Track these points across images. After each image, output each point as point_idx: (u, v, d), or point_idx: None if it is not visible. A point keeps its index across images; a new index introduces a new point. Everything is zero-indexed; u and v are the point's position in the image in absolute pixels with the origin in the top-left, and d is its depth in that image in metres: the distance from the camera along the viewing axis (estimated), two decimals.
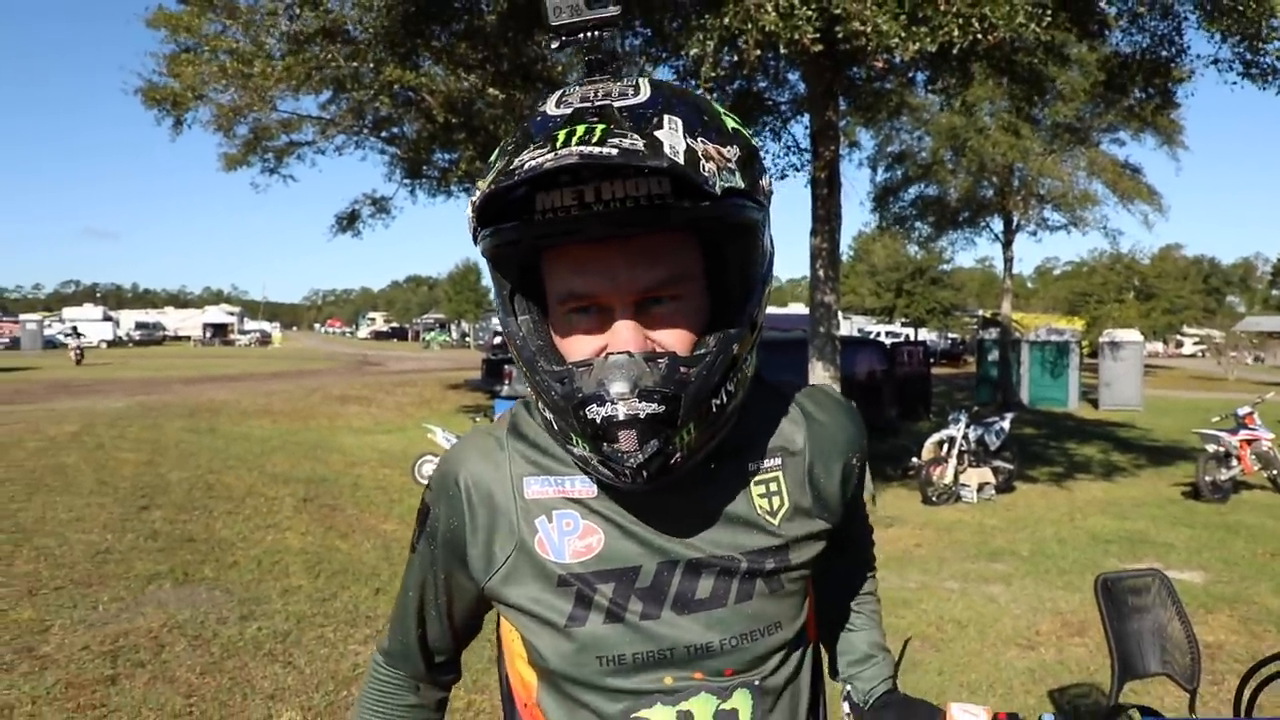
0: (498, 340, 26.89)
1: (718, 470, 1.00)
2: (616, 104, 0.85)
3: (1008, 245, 24.97)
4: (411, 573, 1.12)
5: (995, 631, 5.46)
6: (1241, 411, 10.71)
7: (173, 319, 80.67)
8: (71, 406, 14.77)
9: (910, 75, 10.49)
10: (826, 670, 1.29)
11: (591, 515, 0.99)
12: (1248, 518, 9.11)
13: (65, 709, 3.65)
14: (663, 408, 0.85)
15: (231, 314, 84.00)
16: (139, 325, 68.59)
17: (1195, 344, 63.92)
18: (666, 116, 0.84)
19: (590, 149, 0.78)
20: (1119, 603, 1.35)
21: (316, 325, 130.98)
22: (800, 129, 14.52)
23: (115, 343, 57.93)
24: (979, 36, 6.15)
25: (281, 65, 11.64)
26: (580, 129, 0.81)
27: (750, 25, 6.39)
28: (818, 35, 6.45)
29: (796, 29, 6.31)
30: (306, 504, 8.23)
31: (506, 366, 18.66)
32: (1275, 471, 10.58)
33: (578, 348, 0.91)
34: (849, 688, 1.31)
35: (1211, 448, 10.26)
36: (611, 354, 0.88)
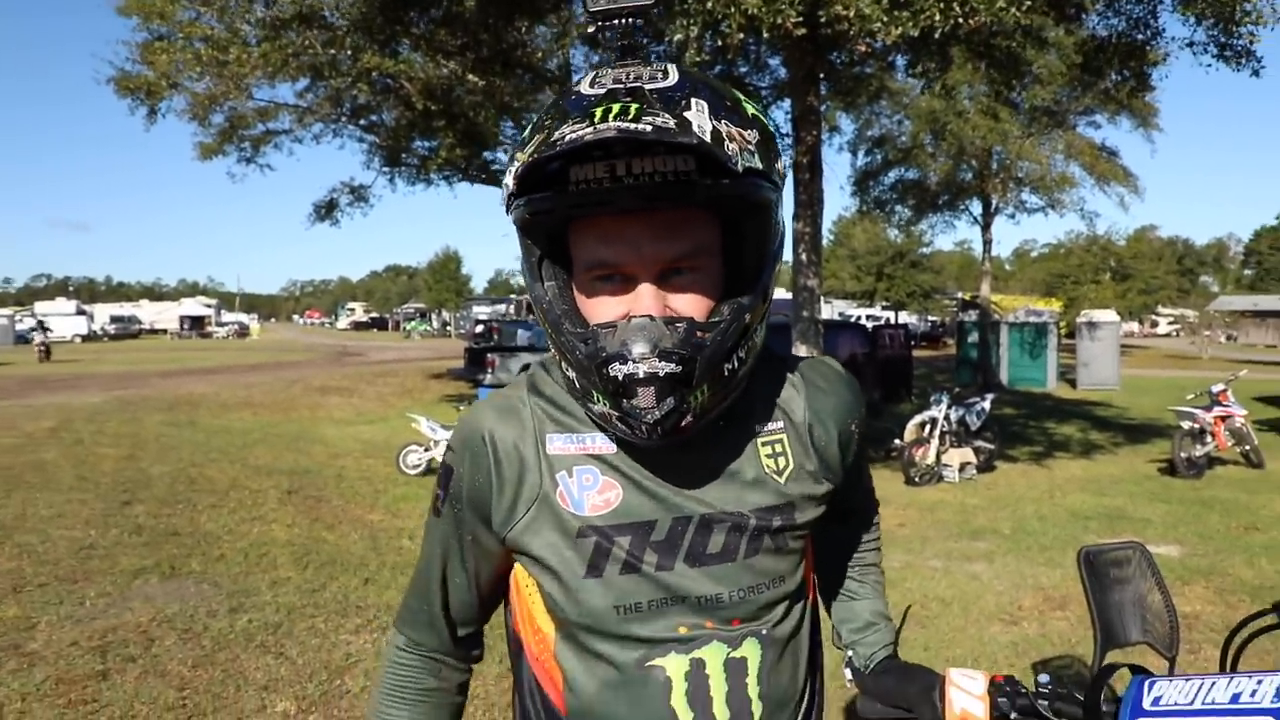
0: (479, 329, 26.79)
1: (727, 431, 1.06)
2: (647, 86, 0.91)
3: (986, 228, 25.16)
4: (432, 539, 1.14)
5: (979, 608, 5.54)
6: (1215, 389, 10.87)
7: (148, 312, 79.69)
8: (48, 402, 14.63)
9: (890, 59, 10.53)
10: (828, 632, 1.33)
11: (610, 471, 1.04)
12: (1222, 493, 9.26)
13: (56, 705, 3.63)
14: (680, 368, 0.91)
15: (208, 306, 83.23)
16: (114, 319, 67.86)
17: (1170, 324, 64.68)
18: (693, 99, 0.90)
19: (627, 125, 0.84)
20: (1101, 574, 1.38)
21: (295, 316, 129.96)
22: (781, 114, 14.55)
23: (89, 337, 57.27)
24: (960, 21, 6.19)
25: (258, 52, 11.52)
26: (616, 107, 0.87)
27: (733, 9, 6.38)
28: (800, 19, 6.46)
29: (779, 13, 6.32)
30: (291, 496, 8.20)
31: (489, 355, 18.63)
32: (1248, 447, 10.77)
33: (602, 311, 0.97)
34: (850, 653, 1.36)
35: (1186, 425, 10.42)
36: (634, 317, 0.93)
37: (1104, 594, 1.32)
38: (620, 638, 1.04)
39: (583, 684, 1.06)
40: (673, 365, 0.91)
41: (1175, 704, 0.97)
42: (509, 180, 0.94)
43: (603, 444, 1.04)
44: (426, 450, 10.09)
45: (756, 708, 1.07)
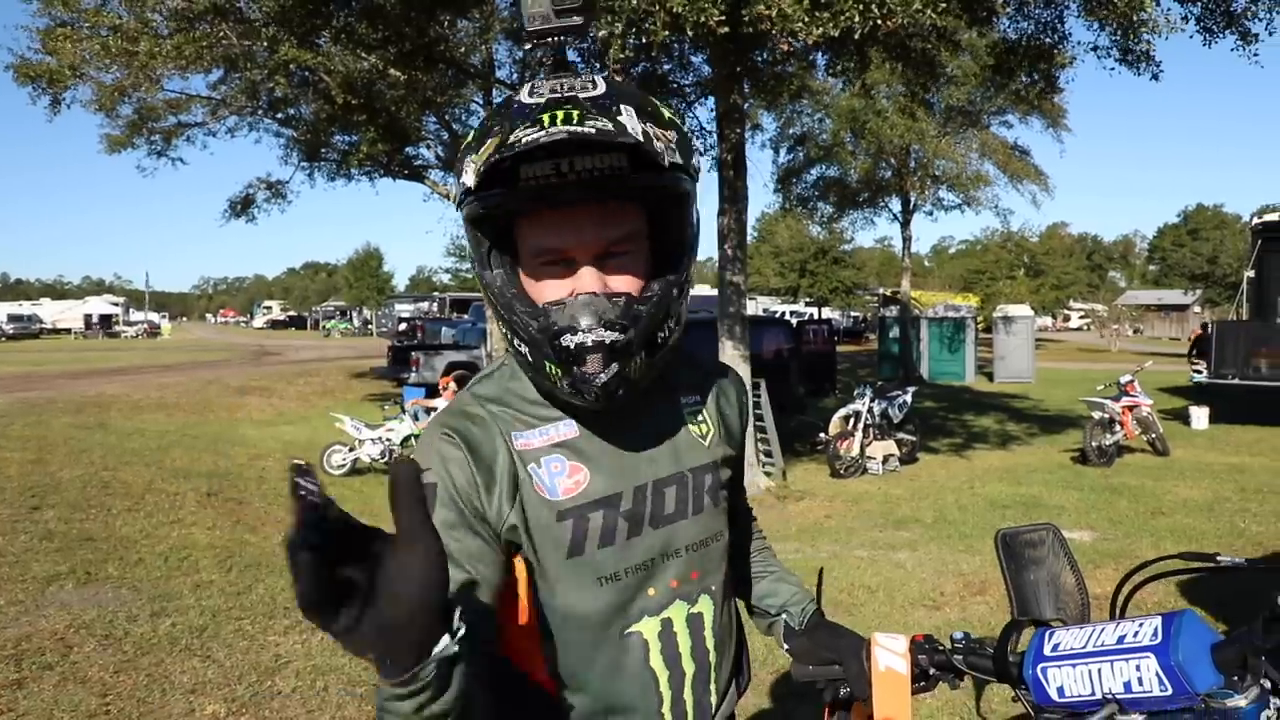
0: (403, 327, 26.40)
1: (662, 405, 1.22)
2: (580, 95, 1.02)
3: (906, 225, 25.79)
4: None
5: (903, 594, 5.71)
6: (1123, 380, 11.37)
7: (50, 311, 76.08)
8: None
9: (811, 59, 10.71)
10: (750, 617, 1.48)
11: (575, 455, 1.14)
12: (1130, 480, 9.70)
13: None
14: (622, 336, 1.04)
15: (115, 304, 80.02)
16: (11, 318, 64.60)
17: (1081, 318, 67.10)
18: (622, 105, 1.02)
19: (574, 127, 0.96)
20: (1016, 555, 1.48)
21: (208, 315, 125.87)
22: (705, 112, 14.70)
23: None
24: (878, 22, 6.35)
25: (170, 44, 11.14)
26: (560, 113, 0.98)
27: (658, 7, 6.43)
28: (723, 18, 6.55)
29: (703, 11, 6.39)
30: (211, 498, 7.98)
31: (414, 353, 18.35)
32: (1154, 435, 11.29)
33: (548, 292, 1.08)
34: (785, 617, 1.44)
35: (1097, 415, 10.88)
36: (580, 294, 1.05)
37: (1019, 573, 1.42)
38: (602, 609, 1.13)
39: (569, 659, 1.14)
40: (616, 334, 1.03)
41: (1071, 649, 1.09)
42: (468, 179, 1.03)
43: (564, 431, 1.14)
44: (351, 450, 9.92)
45: (713, 656, 1.23)
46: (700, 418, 1.26)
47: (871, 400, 10.81)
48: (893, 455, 10.78)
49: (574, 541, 1.11)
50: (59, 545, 6.05)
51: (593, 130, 0.96)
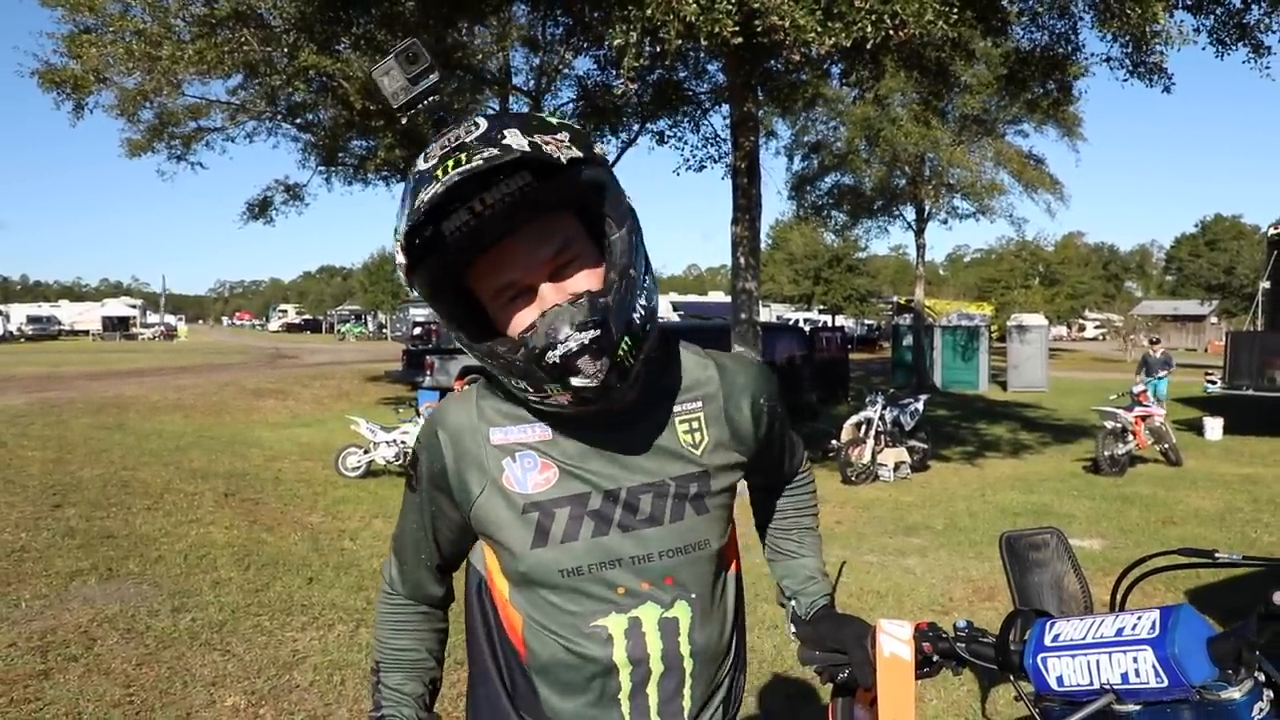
0: (418, 331, 26.53)
1: (648, 413, 1.24)
2: (466, 139, 1.07)
3: (920, 233, 25.74)
4: (408, 511, 1.34)
5: (912, 600, 5.74)
6: (1136, 389, 11.36)
7: (68, 313, 76.60)
8: None
9: (825, 67, 10.77)
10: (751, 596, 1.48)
11: (546, 455, 1.21)
12: (1143, 489, 9.69)
13: None
14: (599, 331, 1.07)
15: (133, 307, 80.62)
16: (31, 319, 65.16)
17: (1097, 327, 66.73)
18: (505, 130, 1.06)
19: (463, 168, 1.02)
20: (1020, 557, 1.53)
21: (224, 318, 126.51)
22: (719, 120, 14.74)
23: (5, 338, 55.07)
24: (891, 32, 6.40)
25: (192, 49, 11.30)
26: (450, 161, 1.04)
27: (672, 16, 6.51)
28: (737, 28, 6.62)
29: (716, 21, 6.46)
30: (228, 499, 8.09)
31: (428, 357, 18.46)
32: (1167, 445, 11.27)
33: (520, 322, 1.14)
34: (793, 603, 1.51)
35: (1109, 424, 10.86)
36: (546, 311, 1.10)
37: (1023, 575, 1.46)
38: (567, 598, 1.21)
39: (538, 642, 1.24)
40: (593, 331, 1.07)
41: (1071, 639, 1.12)
42: (400, 259, 1.11)
43: (540, 433, 1.22)
44: (366, 452, 10.01)
45: (688, 663, 1.26)
46: (695, 425, 1.26)
47: (883, 407, 10.82)
48: (904, 462, 10.79)
49: (538, 532, 1.19)
50: (81, 542, 6.16)
51: (479, 161, 1.01)
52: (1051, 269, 55.71)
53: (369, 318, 73.03)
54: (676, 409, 1.26)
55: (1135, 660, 1.05)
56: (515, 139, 1.04)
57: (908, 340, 25.66)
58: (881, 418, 10.74)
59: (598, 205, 1.14)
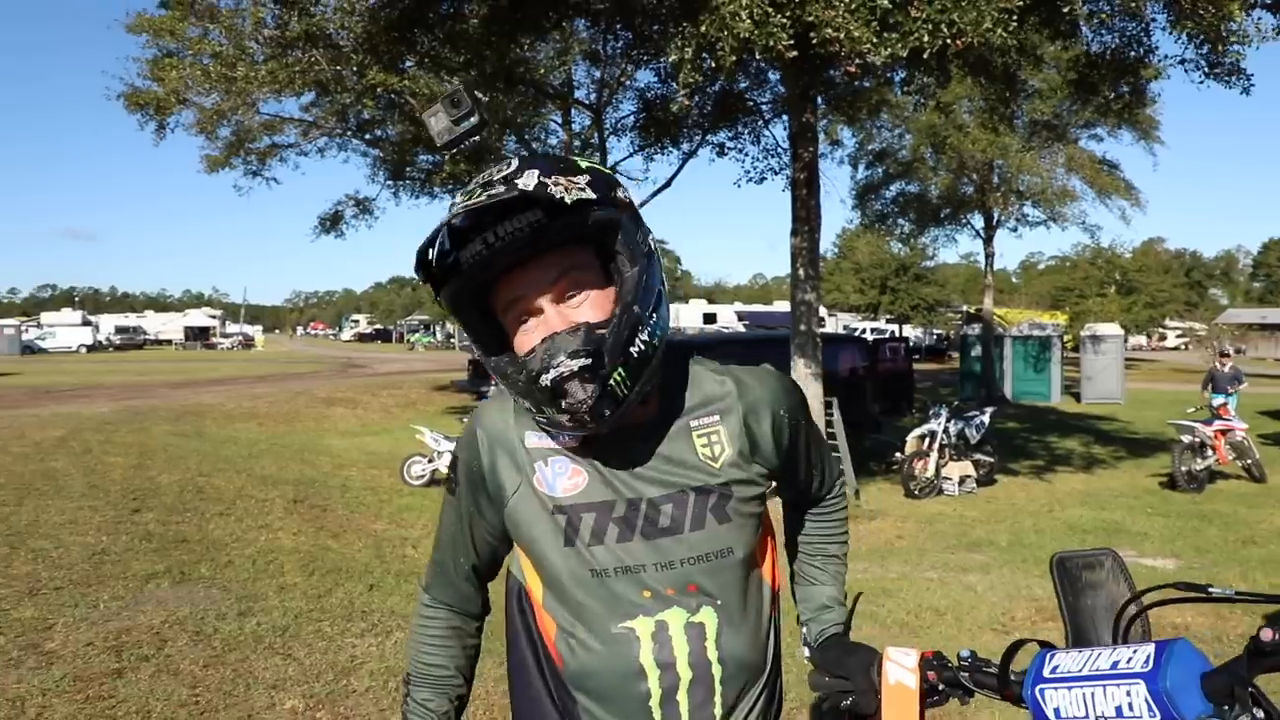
0: None
1: (667, 427, 1.31)
2: (494, 177, 1.17)
3: (989, 241, 25.21)
4: (447, 512, 1.42)
5: (972, 618, 5.63)
6: (1216, 402, 10.95)
7: (153, 323, 79.75)
8: (55, 412, 14.76)
9: (887, 75, 10.66)
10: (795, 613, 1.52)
11: (577, 461, 1.29)
12: (1222, 507, 9.33)
13: (75, 701, 3.76)
14: (589, 359, 1.15)
15: (213, 317, 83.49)
16: (119, 329, 68.00)
17: (1178, 336, 64.48)
18: (527, 170, 1.16)
19: (471, 203, 1.13)
20: (1073, 579, 1.49)
21: (299, 328, 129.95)
22: (780, 131, 14.70)
23: (95, 347, 57.46)
24: (948, 41, 6.32)
25: (265, 69, 11.72)
26: (469, 198, 1.15)
27: (726, 33, 6.52)
28: (792, 42, 6.60)
29: (771, 35, 6.45)
30: (297, 505, 8.33)
31: None
32: (1250, 461, 10.80)
33: (530, 339, 1.22)
34: (805, 630, 1.53)
35: (1187, 439, 10.47)
36: (546, 338, 1.19)
37: (1076, 598, 1.43)
38: (596, 599, 1.26)
39: (570, 642, 1.29)
40: (583, 359, 1.15)
41: (1068, 671, 1.12)
42: (419, 276, 1.23)
43: (570, 440, 1.29)
44: (430, 461, 10.20)
45: (716, 669, 1.29)
46: (714, 439, 1.31)
47: (947, 420, 10.65)
48: (969, 476, 10.59)
49: (568, 533, 1.26)
50: (157, 546, 6.42)
51: (485, 198, 1.12)
52: (1129, 276, 53.98)
53: (437, 328, 74.31)
54: (694, 423, 1.31)
55: (1129, 694, 1.04)
56: (527, 179, 1.13)
57: (976, 350, 25.10)
58: (946, 430, 10.57)
59: (611, 243, 1.22)
